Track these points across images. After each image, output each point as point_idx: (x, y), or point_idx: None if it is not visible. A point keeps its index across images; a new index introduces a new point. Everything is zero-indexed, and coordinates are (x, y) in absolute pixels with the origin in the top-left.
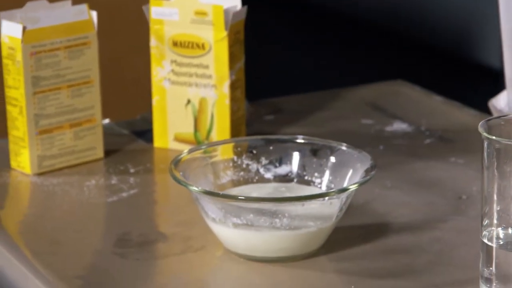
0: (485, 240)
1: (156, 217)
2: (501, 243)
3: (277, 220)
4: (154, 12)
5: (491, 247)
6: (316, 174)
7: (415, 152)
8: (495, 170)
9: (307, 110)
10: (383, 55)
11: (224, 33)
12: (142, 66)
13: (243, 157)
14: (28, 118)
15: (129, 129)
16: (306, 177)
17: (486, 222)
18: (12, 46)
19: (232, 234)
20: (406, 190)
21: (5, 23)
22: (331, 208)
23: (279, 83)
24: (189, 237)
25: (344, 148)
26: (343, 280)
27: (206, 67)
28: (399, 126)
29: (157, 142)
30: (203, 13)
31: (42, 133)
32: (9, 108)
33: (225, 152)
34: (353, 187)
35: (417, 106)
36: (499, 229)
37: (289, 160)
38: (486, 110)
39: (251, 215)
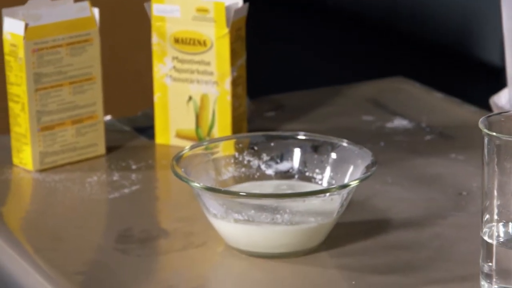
0: (486, 237)
1: (158, 213)
2: (501, 240)
3: (278, 216)
4: (156, 9)
5: (491, 244)
6: (317, 170)
7: (416, 148)
8: (496, 166)
9: (308, 107)
10: (384, 52)
11: (226, 30)
12: (143, 63)
13: (245, 153)
14: (30, 115)
15: (131, 125)
16: (307, 173)
17: (486, 218)
18: (14, 43)
19: (233, 230)
20: (406, 186)
21: (7, 20)
22: (332, 204)
23: (280, 79)
24: (191, 233)
25: (345, 144)
26: (344, 276)
27: (208, 63)
28: (399, 122)
29: (159, 139)
30: (205, 10)
31: (44, 129)
32: (11, 104)
33: (226, 149)
34: (354, 183)
35: (418, 102)
36: (500, 225)
37: (290, 156)
38: (486, 107)
39: (253, 211)
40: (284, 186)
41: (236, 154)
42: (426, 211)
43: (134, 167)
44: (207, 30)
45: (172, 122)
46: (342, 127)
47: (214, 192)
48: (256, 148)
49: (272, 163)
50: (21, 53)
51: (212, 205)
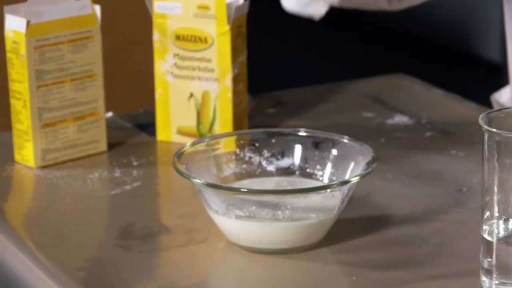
0: (486, 235)
1: (159, 210)
2: (501, 236)
3: (279, 212)
4: (157, 6)
5: (491, 242)
6: (318, 167)
7: (416, 145)
8: (496, 163)
9: (309, 103)
10: (384, 48)
11: (227, 27)
12: (145, 60)
13: (246, 150)
14: (32, 112)
15: (132, 122)
16: (308, 170)
17: (486, 214)
18: (16, 40)
19: (234, 226)
20: (407, 182)
21: (9, 17)
22: (333, 200)
23: (281, 76)
24: (192, 229)
25: (345, 141)
26: (344, 272)
27: (209, 60)
28: (400, 119)
29: (160, 135)
30: (206, 7)
31: (46, 126)
32: (13, 101)
33: (227, 145)
34: (354, 180)
35: (418, 99)
36: (500, 221)
37: (291, 152)
38: (486, 103)
39: (254, 207)
40: (285, 182)
41: (237, 150)
42: (427, 207)
43: (135, 163)
44: (208, 27)
45: (173, 119)
46: (343, 123)
47: (216, 188)
48: (257, 144)
49: (273, 159)
50: (22, 50)
51: (214, 202)
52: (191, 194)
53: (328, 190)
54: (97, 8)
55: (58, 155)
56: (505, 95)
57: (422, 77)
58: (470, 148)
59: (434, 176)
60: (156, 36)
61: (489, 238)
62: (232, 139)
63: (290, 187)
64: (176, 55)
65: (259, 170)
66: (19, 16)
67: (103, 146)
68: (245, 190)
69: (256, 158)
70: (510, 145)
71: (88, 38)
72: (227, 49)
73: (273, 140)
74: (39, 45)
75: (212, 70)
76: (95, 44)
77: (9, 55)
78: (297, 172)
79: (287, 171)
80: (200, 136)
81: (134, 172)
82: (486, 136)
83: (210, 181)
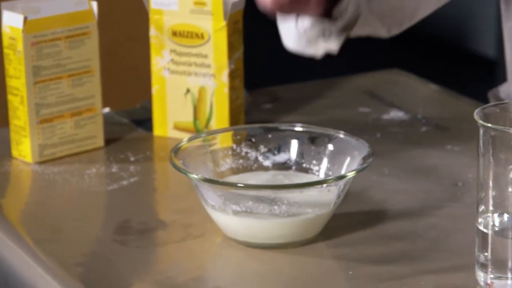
0: (481, 227)
1: (156, 205)
2: (496, 229)
3: (276, 207)
4: (154, 2)
5: (487, 233)
6: (314, 162)
7: (412, 140)
8: (491, 157)
9: (305, 99)
10: (380, 44)
11: (223, 23)
12: (141, 56)
13: (242, 145)
14: (29, 108)
15: (129, 118)
16: (304, 165)
17: (481, 208)
18: (13, 36)
19: (231, 221)
20: (402, 177)
21: (6, 13)
22: (329, 195)
23: (277, 72)
24: (189, 224)
25: (341, 136)
26: (341, 266)
27: (205, 56)
28: (395, 114)
29: (157, 131)
30: (202, 3)
31: (43, 122)
32: (10, 97)
33: (224, 140)
34: (350, 175)
35: (414, 94)
36: (495, 215)
37: (287, 148)
38: (481, 99)
39: (250, 202)
40: (281, 177)
41: (234, 146)
42: (422, 202)
43: (132, 159)
44: (204, 23)
45: (170, 115)
46: (339, 118)
47: (212, 183)
48: (253, 139)
49: (269, 154)
50: (20, 46)
51: (210, 197)
52: (188, 189)
53: (324, 185)
54: (94, 4)
55: (56, 151)
56: (502, 92)
57: (418, 72)
58: (466, 143)
59: (429, 171)
60: (152, 32)
61: (484, 230)
62: (229, 134)
63: (286, 180)
64: (172, 51)
65: (255, 165)
66: (16, 12)
67: (100, 141)
68: (242, 185)
69: (252, 153)
70: (505, 140)
71: (85, 34)
72: (223, 45)
73: (270, 135)
74: (36, 41)
75: (208, 66)
76: (92, 40)
77: (6, 51)
78: (294, 167)
79: (283, 166)
80: (196, 131)
81: (131, 168)
82: (481, 131)
83: (207, 176)
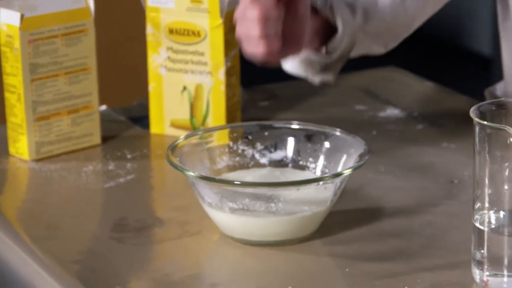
0: (477, 224)
1: (153, 202)
2: (493, 226)
3: (272, 204)
4: (150, 0)
5: (483, 230)
6: (310, 159)
7: (408, 137)
8: (487, 155)
9: (302, 96)
10: None
11: (220, 21)
12: (138, 53)
13: (239, 142)
14: (26, 105)
15: (126, 115)
16: (300, 162)
17: (478, 206)
18: (10, 34)
19: (228, 218)
20: (399, 175)
21: (3, 11)
22: (326, 192)
23: (273, 69)
24: (186, 222)
25: (338, 133)
26: (337, 263)
27: (202, 54)
28: (391, 111)
29: (154, 128)
30: (199, 1)
31: (40, 119)
32: (7, 95)
33: (221, 138)
34: (347, 172)
35: (410, 92)
36: (491, 212)
37: (284, 145)
38: (477, 96)
39: (247, 200)
40: (278, 174)
41: (231, 143)
42: (418, 200)
43: (129, 156)
44: (201, 20)
45: (167, 112)
46: (335, 116)
47: (209, 181)
48: (250, 137)
49: (266, 152)
50: (17, 43)
51: (207, 194)
52: (184, 186)
53: (321, 183)
54: (91, 2)
55: (52, 148)
56: (499, 90)
57: (414, 70)
58: (461, 141)
59: (425, 169)
60: (149, 29)
61: (480, 227)
62: (225, 132)
63: (282, 178)
64: (169, 48)
65: (252, 163)
66: (13, 10)
67: (97, 139)
68: (238, 182)
69: (249, 151)
70: (501, 138)
71: (81, 31)
72: (220, 43)
73: (266, 133)
74: (33, 39)
75: (205, 64)
76: (88, 38)
77: (3, 48)
78: (290, 165)
79: (280, 164)
80: (193, 129)
81: (128, 165)
82: (477, 129)
83: (204, 174)
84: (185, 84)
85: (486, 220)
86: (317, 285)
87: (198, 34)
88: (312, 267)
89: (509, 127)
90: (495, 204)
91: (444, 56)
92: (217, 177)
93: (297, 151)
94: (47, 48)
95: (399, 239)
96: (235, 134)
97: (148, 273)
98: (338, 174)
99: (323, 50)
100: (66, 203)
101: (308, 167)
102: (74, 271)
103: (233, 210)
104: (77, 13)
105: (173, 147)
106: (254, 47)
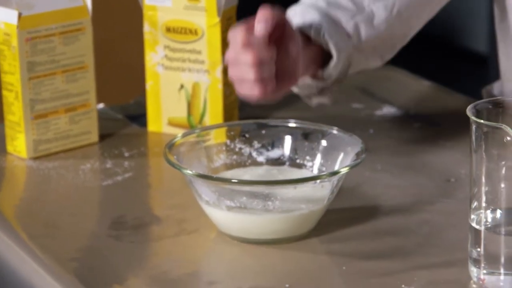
0: (474, 224)
1: (151, 200)
2: (489, 225)
3: (269, 202)
4: None
5: (479, 230)
6: (307, 158)
7: (405, 135)
8: (483, 153)
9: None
10: None
11: (217, 19)
12: (136, 52)
13: (236, 141)
14: (24, 103)
15: (123, 113)
16: (298, 161)
17: (474, 204)
18: (7, 32)
19: (225, 216)
20: (395, 173)
21: (1, 9)
22: (323, 191)
23: None
24: (183, 219)
25: (335, 132)
26: (334, 261)
27: (199, 52)
28: (388, 110)
29: (151, 126)
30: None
31: (38, 117)
32: (5, 93)
33: (218, 136)
34: (344, 170)
35: (406, 90)
36: (488, 211)
37: (281, 143)
38: (473, 95)
39: (244, 198)
40: (275, 173)
41: (228, 141)
42: (415, 198)
43: (126, 154)
44: (198, 19)
45: (164, 110)
46: (332, 114)
47: (206, 179)
48: (247, 135)
49: (263, 150)
50: (14, 42)
51: (204, 192)
52: (182, 184)
53: (318, 181)
54: (88, 1)
55: (50, 146)
56: (496, 89)
57: (410, 68)
58: (458, 139)
59: (422, 167)
60: (146, 28)
61: (477, 227)
62: (223, 130)
63: (280, 177)
64: (166, 47)
65: (249, 161)
66: (11, 8)
67: (94, 137)
68: (236, 180)
69: (246, 149)
70: (498, 136)
71: (79, 30)
72: (217, 41)
73: (263, 131)
74: (31, 37)
75: (202, 62)
76: (86, 36)
77: (0, 47)
78: (287, 163)
79: (277, 162)
80: (190, 127)
81: (126, 163)
82: (473, 127)
83: (201, 172)
84: (183, 83)
85: (483, 219)
86: (314, 283)
87: (195, 33)
88: (309, 265)
89: (505, 125)
90: (492, 203)
91: (441, 55)
92: (215, 175)
93: (294, 149)
94: (45, 46)
95: (396, 237)
96: (232, 133)
97: (145, 271)
98: (335, 173)
99: (320, 73)
100: (64, 201)
101: (305, 165)
102: (72, 268)
103: (230, 208)
104: (75, 12)
105: (171, 145)
106: (249, 90)
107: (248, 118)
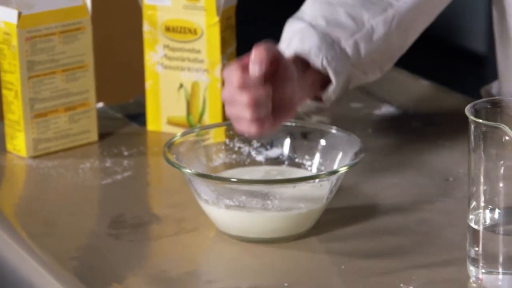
0: (472, 223)
1: (150, 199)
2: (488, 225)
3: (268, 202)
4: None
5: (478, 230)
6: (306, 157)
7: (403, 135)
8: (482, 153)
9: None
10: None
11: (216, 19)
12: (135, 51)
13: (235, 140)
14: (24, 102)
15: (123, 112)
16: (297, 160)
17: (473, 204)
18: (7, 31)
19: (224, 215)
20: (394, 172)
21: (0, 8)
22: (322, 190)
23: None
24: (182, 218)
25: (334, 131)
26: (333, 260)
27: (198, 51)
28: (387, 109)
29: (150, 126)
30: None
31: (37, 116)
32: (4, 92)
33: (217, 135)
34: (343, 170)
35: (405, 90)
36: (486, 211)
37: (280, 143)
38: (472, 94)
39: (243, 197)
40: (274, 171)
41: (227, 140)
42: (414, 197)
43: (126, 153)
44: (197, 18)
45: (164, 109)
46: (331, 114)
47: (205, 178)
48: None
49: (262, 149)
50: (14, 41)
51: (204, 191)
52: (181, 183)
53: (317, 180)
54: (88, 0)
55: (50, 145)
56: (494, 89)
57: (409, 68)
58: (456, 139)
59: (421, 166)
60: (146, 27)
61: (475, 227)
62: (222, 129)
63: (279, 176)
64: (166, 46)
65: (248, 160)
66: (11, 8)
67: (94, 136)
68: (235, 180)
69: (245, 148)
70: (496, 136)
71: (79, 29)
72: (216, 41)
73: None
74: (31, 36)
75: (201, 61)
76: (86, 35)
77: (0, 46)
78: (286, 162)
79: (276, 161)
80: (190, 126)
81: (125, 162)
82: (472, 127)
83: (200, 171)
84: (182, 82)
85: (482, 219)
86: (313, 282)
87: (195, 32)
88: (308, 264)
89: (504, 125)
90: (490, 202)
91: (440, 55)
92: (214, 175)
93: (293, 148)
94: (45, 45)
95: (394, 236)
96: (231, 132)
97: (145, 270)
98: (334, 172)
99: (319, 96)
100: (63, 200)
101: (304, 165)
102: (71, 267)
103: (229, 207)
104: (74, 11)
105: (170, 144)
106: (247, 128)
107: None
